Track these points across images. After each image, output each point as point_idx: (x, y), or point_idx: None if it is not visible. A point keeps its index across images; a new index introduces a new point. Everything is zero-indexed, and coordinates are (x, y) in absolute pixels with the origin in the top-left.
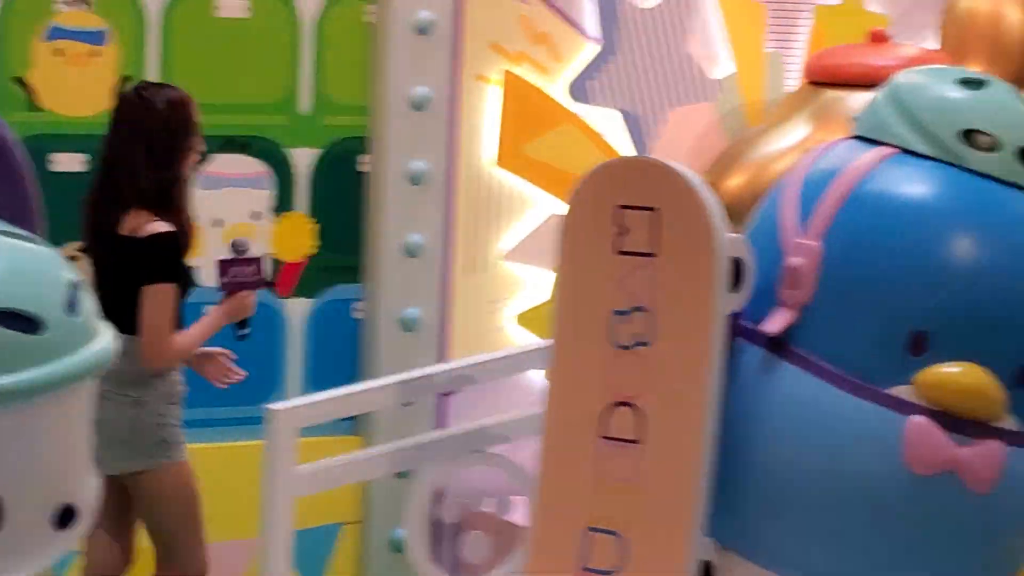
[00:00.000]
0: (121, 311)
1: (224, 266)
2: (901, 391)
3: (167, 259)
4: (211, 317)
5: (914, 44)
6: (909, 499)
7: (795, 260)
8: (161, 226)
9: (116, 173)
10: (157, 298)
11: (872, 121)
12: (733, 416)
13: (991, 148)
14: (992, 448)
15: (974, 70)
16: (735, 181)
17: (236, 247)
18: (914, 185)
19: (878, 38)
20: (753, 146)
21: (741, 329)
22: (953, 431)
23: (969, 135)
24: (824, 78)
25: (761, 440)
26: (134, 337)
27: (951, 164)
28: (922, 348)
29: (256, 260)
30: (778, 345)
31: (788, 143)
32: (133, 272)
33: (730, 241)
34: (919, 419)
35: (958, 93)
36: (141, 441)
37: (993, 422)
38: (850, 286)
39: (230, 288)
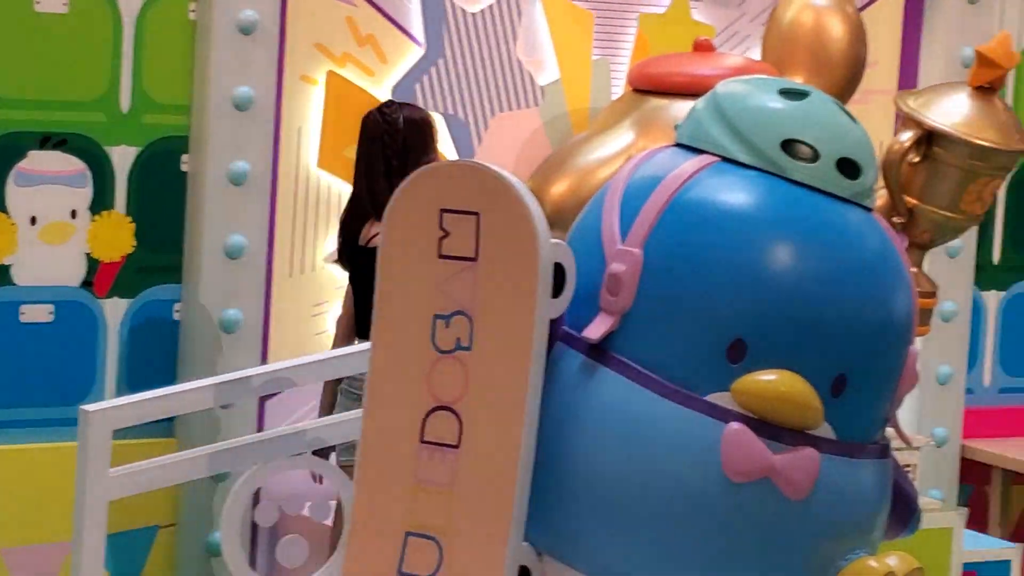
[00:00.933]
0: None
1: None
2: (719, 398)
3: None
4: None
5: (739, 54)
6: (726, 506)
7: (616, 267)
8: None
9: (359, 188)
10: None
11: (693, 129)
12: (553, 421)
13: (810, 158)
14: (807, 456)
15: (796, 81)
16: (559, 187)
17: None
18: (734, 193)
19: (702, 47)
20: (577, 153)
21: (562, 335)
22: (770, 439)
23: (789, 145)
24: (648, 86)
25: (581, 446)
26: None
27: (771, 173)
28: (740, 355)
29: None
30: (599, 351)
31: (612, 150)
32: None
33: (552, 247)
34: (736, 426)
35: (779, 103)
36: None
37: (809, 430)
38: (670, 293)
39: None
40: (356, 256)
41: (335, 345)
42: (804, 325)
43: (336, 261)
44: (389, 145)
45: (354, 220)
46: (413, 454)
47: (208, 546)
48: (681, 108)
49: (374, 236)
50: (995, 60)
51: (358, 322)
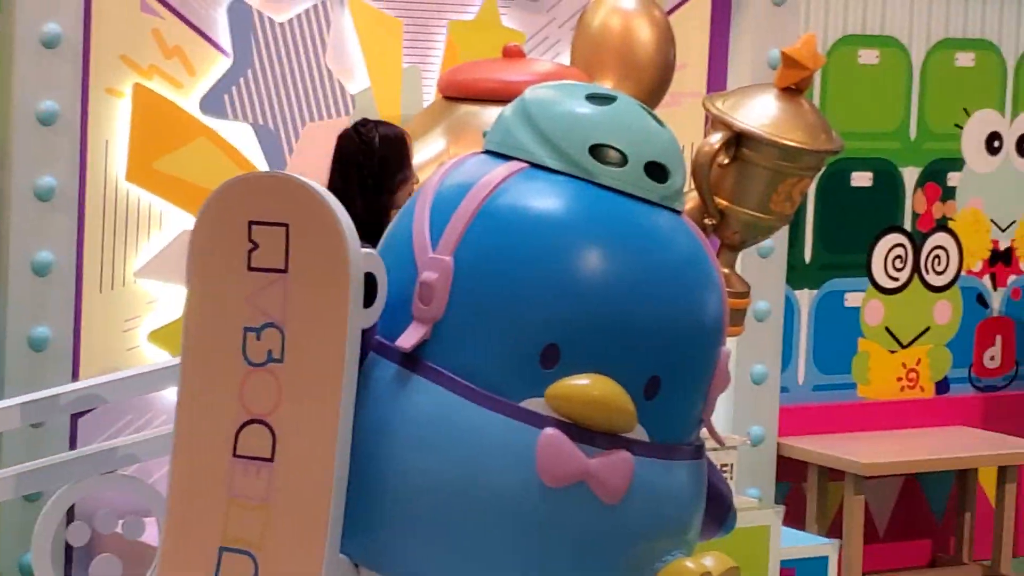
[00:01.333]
0: None
1: None
2: (533, 404)
3: None
4: None
5: (549, 60)
6: (542, 511)
7: (427, 275)
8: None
9: None
10: None
11: (502, 136)
12: (368, 432)
13: (619, 163)
14: (622, 459)
15: (606, 86)
16: None
17: None
18: (543, 199)
19: (512, 53)
20: None
21: (375, 345)
22: (584, 443)
23: (597, 150)
24: (458, 93)
25: (395, 455)
26: None
27: (580, 178)
28: (553, 361)
29: None
30: (412, 360)
31: (424, 158)
32: None
33: (362, 256)
34: (550, 431)
35: (586, 109)
36: None
37: (623, 433)
38: (482, 300)
39: None
40: None
41: None
42: (616, 329)
43: None
44: (365, 165)
45: None
46: (226, 468)
47: (21, 567)
48: (492, 114)
49: None
50: (801, 62)
51: None
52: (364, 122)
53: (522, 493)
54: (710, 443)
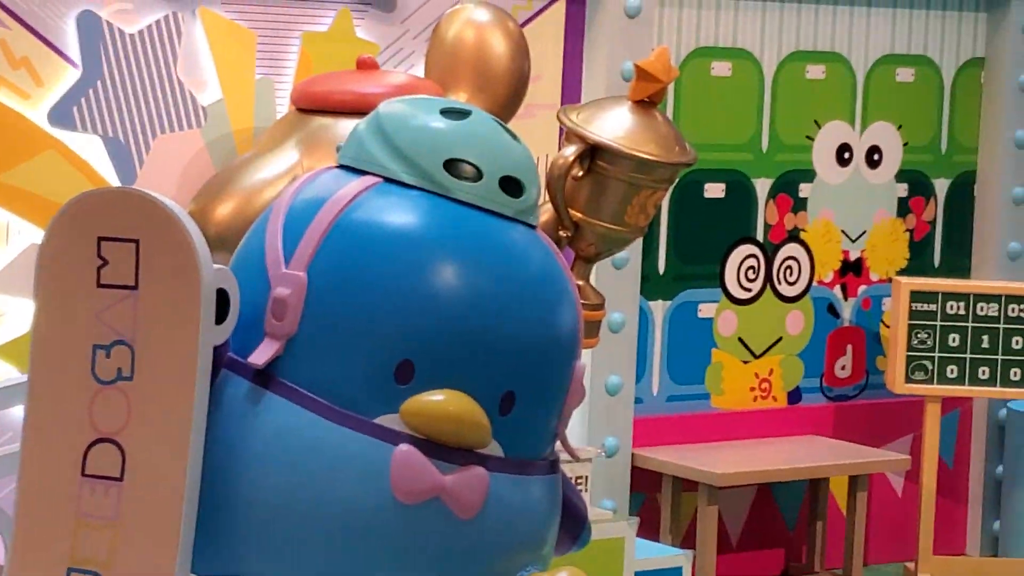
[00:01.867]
0: None
1: None
2: (388, 420)
3: None
4: None
5: (403, 71)
6: (397, 528)
7: (280, 291)
8: None
9: None
10: None
11: (356, 150)
12: (220, 450)
13: (473, 177)
14: (477, 475)
15: (461, 98)
16: (223, 209)
17: None
18: (397, 214)
19: (366, 65)
20: (242, 174)
21: (228, 362)
22: (439, 459)
23: (452, 164)
24: (312, 105)
25: (249, 473)
26: None
27: (434, 193)
28: (408, 377)
29: None
30: (265, 377)
31: (277, 171)
32: None
33: (214, 272)
34: (405, 448)
35: (440, 123)
36: None
37: (478, 449)
38: (336, 316)
39: None
40: None
41: None
42: (470, 344)
43: None
44: None
45: None
46: (74, 488)
47: None
48: (346, 127)
49: None
50: (654, 74)
51: None
52: None
53: (376, 510)
54: (565, 456)
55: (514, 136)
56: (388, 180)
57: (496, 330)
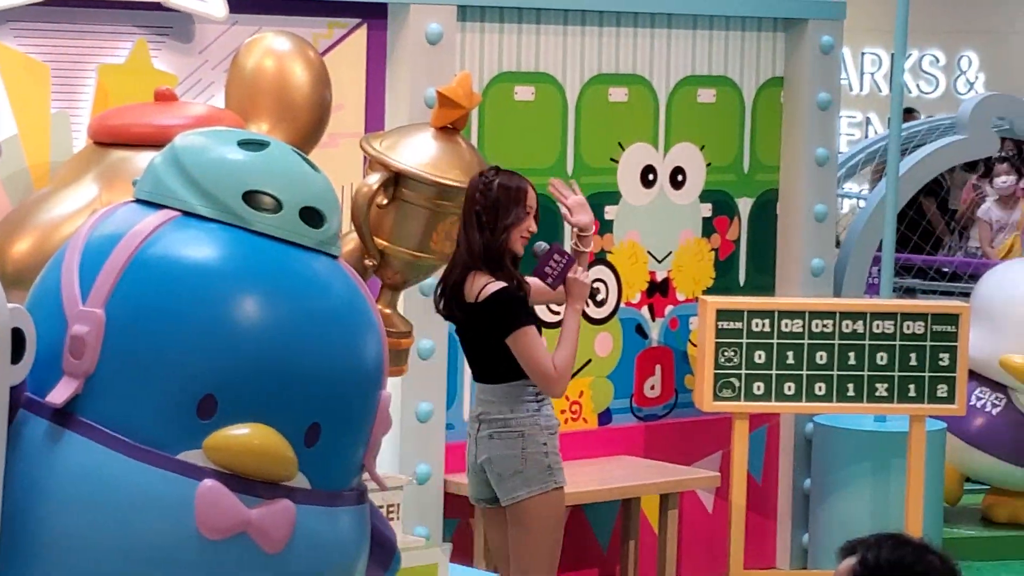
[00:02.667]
0: (489, 366)
1: (541, 270)
2: (192, 456)
3: (515, 308)
4: (568, 320)
5: (203, 102)
6: (202, 564)
7: (78, 329)
8: (496, 285)
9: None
10: (524, 341)
11: (153, 184)
12: (19, 490)
13: (273, 209)
14: (283, 508)
15: (262, 129)
16: (21, 246)
17: (536, 252)
18: (197, 248)
19: (164, 97)
20: (39, 209)
21: (25, 401)
22: (244, 493)
23: (251, 196)
24: (109, 138)
25: (50, 513)
26: (501, 385)
27: (234, 226)
28: (211, 412)
29: (552, 248)
30: (64, 416)
31: (75, 206)
32: (489, 330)
33: (8, 311)
34: (209, 483)
35: (239, 155)
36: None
37: (284, 481)
38: (136, 353)
39: (559, 281)
40: (464, 310)
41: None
42: (274, 377)
43: (443, 313)
44: (479, 202)
45: (456, 274)
46: None
47: None
48: (145, 159)
49: (483, 289)
50: (456, 100)
51: (483, 370)
52: (491, 168)
53: (181, 547)
54: (373, 486)
55: (314, 166)
56: (187, 213)
57: (299, 362)
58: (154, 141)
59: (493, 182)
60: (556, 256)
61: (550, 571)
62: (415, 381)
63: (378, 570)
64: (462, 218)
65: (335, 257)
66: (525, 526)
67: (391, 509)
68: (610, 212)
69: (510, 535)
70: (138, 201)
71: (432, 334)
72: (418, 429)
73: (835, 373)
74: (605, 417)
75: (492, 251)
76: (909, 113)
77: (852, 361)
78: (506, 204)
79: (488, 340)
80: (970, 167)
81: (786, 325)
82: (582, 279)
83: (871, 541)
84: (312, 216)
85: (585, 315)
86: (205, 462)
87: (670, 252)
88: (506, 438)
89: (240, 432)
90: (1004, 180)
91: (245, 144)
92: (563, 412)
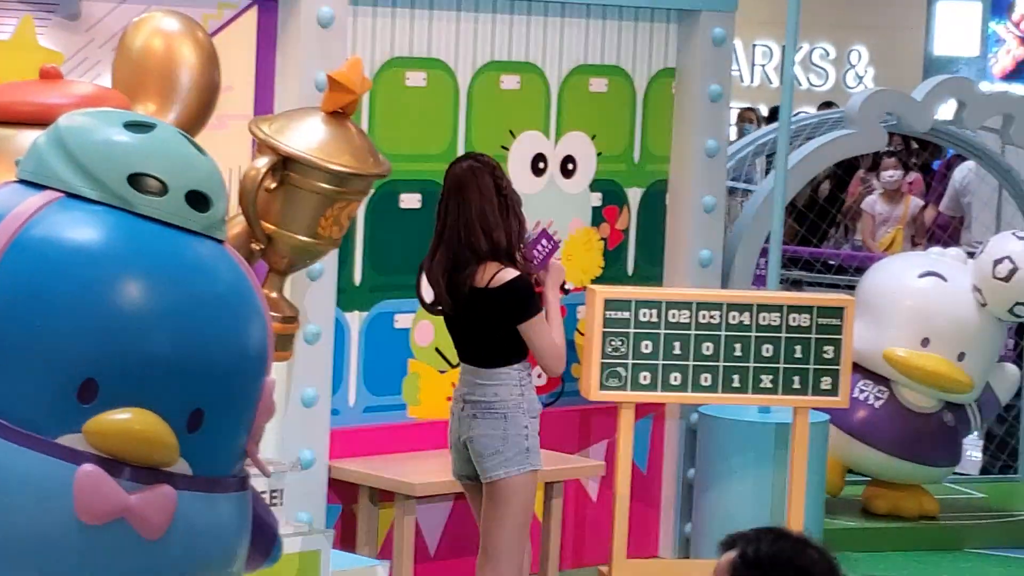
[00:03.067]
0: (482, 350)
1: (530, 251)
2: (71, 440)
3: (532, 296)
4: (553, 303)
5: (89, 81)
6: (80, 549)
7: None
8: (511, 272)
9: (456, 236)
10: (540, 327)
11: (36, 164)
12: None
13: (159, 192)
14: (163, 494)
15: (149, 109)
16: None
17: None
18: (79, 230)
19: (49, 75)
20: None
21: None
22: (124, 478)
23: (136, 179)
24: None
25: None
26: (491, 369)
27: (119, 208)
28: (92, 396)
29: (541, 233)
30: None
31: None
32: (502, 316)
33: None
34: (88, 468)
35: (124, 136)
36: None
37: (165, 467)
38: (15, 336)
39: (543, 265)
40: (472, 295)
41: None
42: (156, 362)
43: (432, 308)
44: (506, 191)
45: (467, 261)
46: None
47: None
48: (28, 138)
49: (495, 276)
50: (346, 85)
51: (474, 354)
52: (476, 154)
53: (58, 532)
54: (257, 472)
55: (200, 149)
56: (70, 195)
57: (182, 347)
58: (38, 120)
59: (497, 164)
60: (544, 240)
61: (519, 549)
62: (301, 366)
63: (259, 557)
64: (480, 210)
65: (221, 241)
66: (499, 504)
67: (274, 495)
68: None
69: (484, 511)
70: (20, 182)
71: (318, 319)
72: (303, 414)
73: (721, 364)
74: None
75: (514, 242)
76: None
77: (738, 352)
78: (517, 197)
79: (492, 325)
80: (857, 161)
81: (673, 316)
82: (559, 265)
83: (751, 535)
84: (198, 200)
85: None
86: (84, 446)
87: (560, 241)
88: (490, 418)
89: (121, 416)
90: (891, 175)
91: (131, 126)
92: (449, 399)
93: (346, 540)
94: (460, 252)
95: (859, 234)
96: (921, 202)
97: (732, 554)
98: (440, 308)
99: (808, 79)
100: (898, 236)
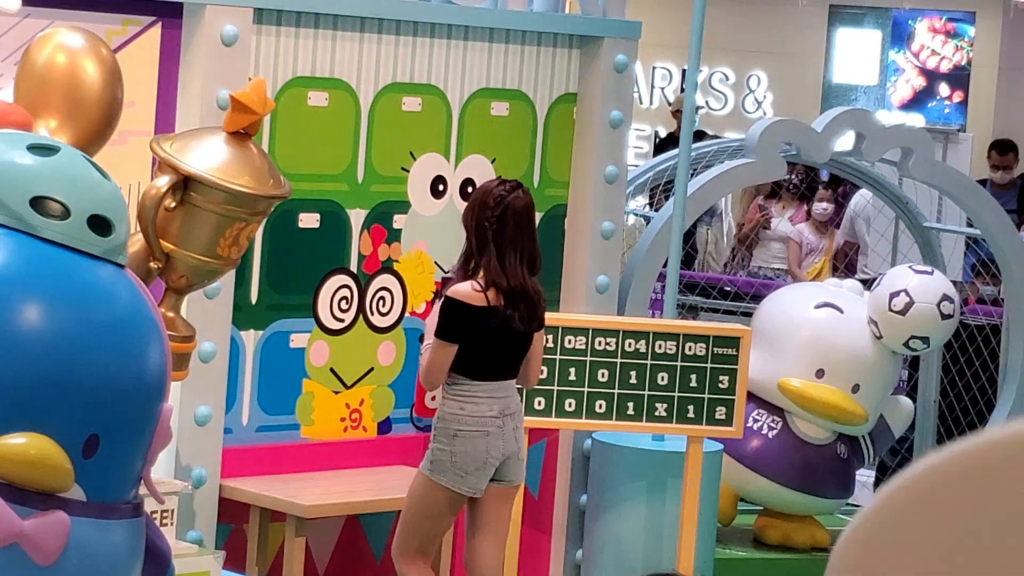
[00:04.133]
0: (519, 362)
1: None
2: None
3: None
4: None
5: None
6: None
7: None
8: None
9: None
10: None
11: None
12: None
13: (61, 215)
14: (57, 520)
15: (51, 125)
16: None
17: None
18: None
19: None
20: None
21: None
22: (18, 503)
23: (38, 202)
24: None
25: None
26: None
27: (20, 231)
28: None
29: None
30: None
31: None
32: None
33: None
34: None
35: (27, 159)
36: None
37: (59, 493)
38: None
39: None
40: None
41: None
42: (53, 386)
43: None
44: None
45: (528, 281)
46: None
47: None
48: None
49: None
50: (249, 106)
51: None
52: (503, 180)
53: None
54: (149, 496)
55: (104, 173)
56: None
57: (80, 372)
58: None
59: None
60: None
61: None
62: (195, 384)
63: None
64: (525, 230)
65: (121, 266)
66: (511, 505)
67: (165, 515)
68: (399, 221)
69: (504, 514)
70: None
71: (213, 337)
72: (196, 432)
73: (616, 391)
74: (385, 426)
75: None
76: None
77: (633, 380)
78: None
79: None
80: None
81: (569, 342)
82: None
83: None
84: (100, 224)
85: (369, 323)
86: None
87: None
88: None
89: (16, 441)
90: (824, 207)
91: (35, 149)
92: (343, 420)
93: (236, 560)
94: (523, 275)
95: (756, 260)
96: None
97: None
98: (516, 323)
99: (707, 102)
100: (825, 266)
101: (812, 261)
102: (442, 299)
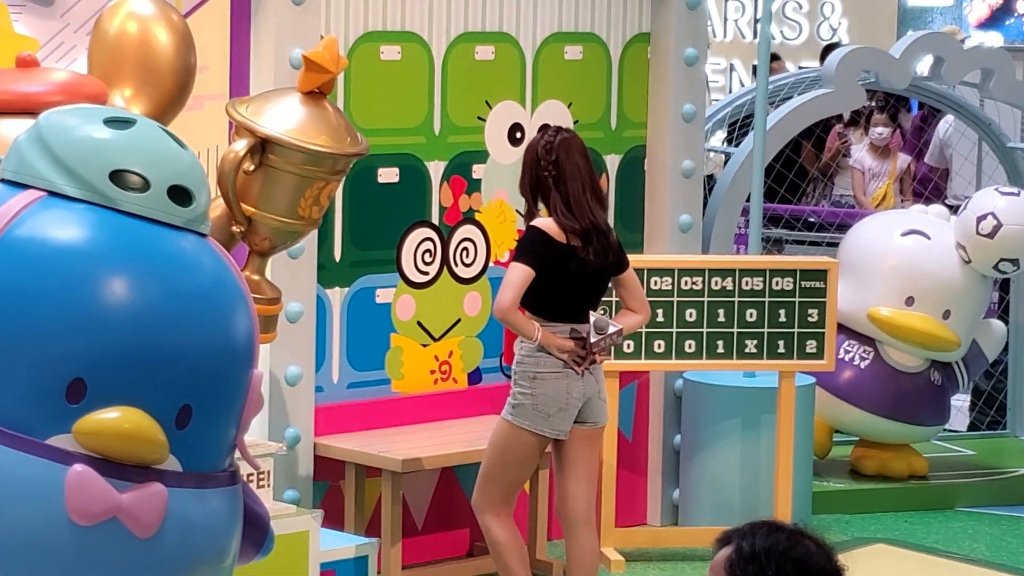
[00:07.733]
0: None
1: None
2: (61, 440)
3: None
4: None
5: (65, 68)
6: (74, 550)
7: None
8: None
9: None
10: None
11: (17, 163)
12: None
13: (141, 188)
14: (155, 492)
15: (126, 94)
16: None
17: (600, 325)
18: (64, 229)
19: (26, 63)
20: None
21: None
22: (115, 477)
23: (118, 175)
24: None
25: None
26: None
27: (101, 206)
28: (80, 396)
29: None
30: None
31: None
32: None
33: None
34: (79, 468)
35: (105, 133)
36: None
37: (155, 465)
38: (2, 337)
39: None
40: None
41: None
42: (144, 360)
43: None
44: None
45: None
46: None
47: None
48: (8, 127)
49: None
50: (323, 65)
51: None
52: (543, 129)
53: (51, 533)
54: (245, 463)
55: (181, 143)
56: (52, 194)
57: (169, 344)
58: (17, 108)
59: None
60: (614, 335)
61: None
62: (284, 345)
63: (252, 550)
64: (582, 164)
65: (204, 235)
66: (600, 444)
67: (261, 476)
68: (478, 171)
69: (592, 456)
70: (3, 181)
71: (300, 297)
72: (287, 392)
73: (704, 330)
74: (475, 377)
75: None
76: (774, 59)
77: (721, 318)
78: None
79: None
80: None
81: (655, 283)
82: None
83: (745, 530)
84: (180, 194)
85: (453, 275)
86: (75, 447)
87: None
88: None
89: (110, 416)
90: (881, 132)
91: (111, 122)
92: (432, 373)
93: (334, 517)
94: (604, 220)
95: (839, 189)
96: (908, 157)
97: (727, 550)
98: (592, 258)
99: (781, 32)
100: (889, 191)
101: (876, 186)
102: (525, 229)
